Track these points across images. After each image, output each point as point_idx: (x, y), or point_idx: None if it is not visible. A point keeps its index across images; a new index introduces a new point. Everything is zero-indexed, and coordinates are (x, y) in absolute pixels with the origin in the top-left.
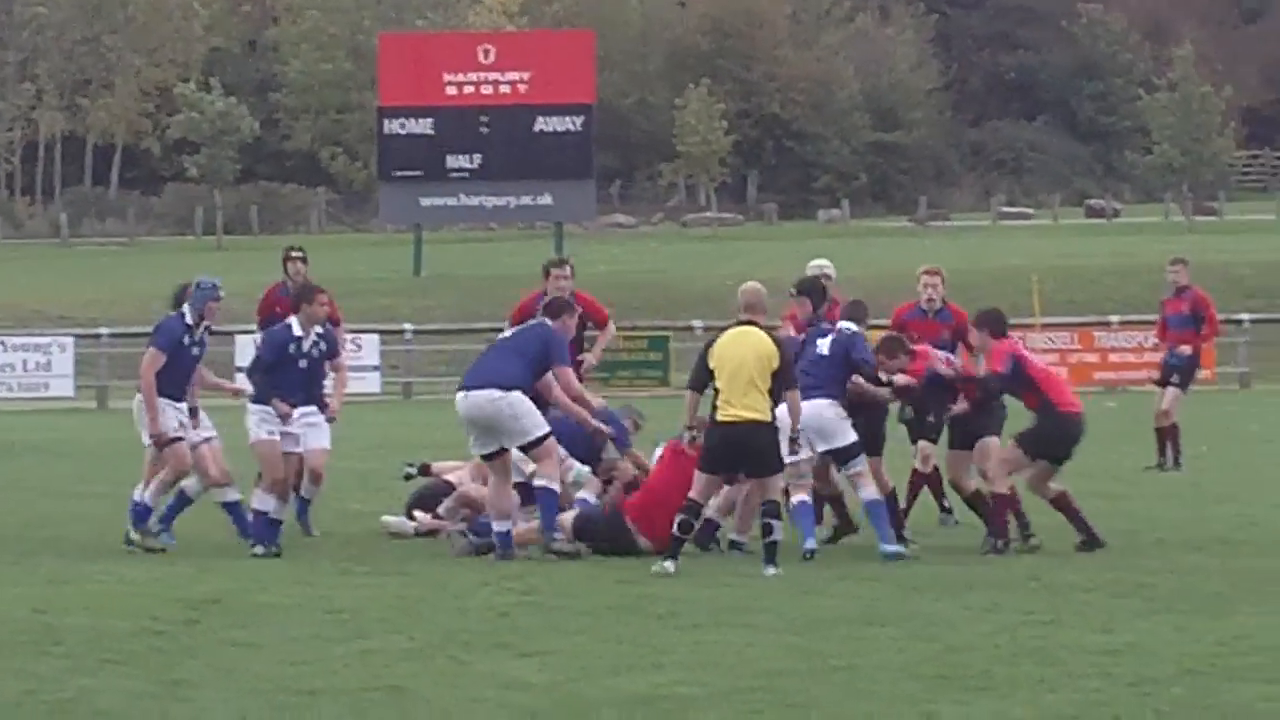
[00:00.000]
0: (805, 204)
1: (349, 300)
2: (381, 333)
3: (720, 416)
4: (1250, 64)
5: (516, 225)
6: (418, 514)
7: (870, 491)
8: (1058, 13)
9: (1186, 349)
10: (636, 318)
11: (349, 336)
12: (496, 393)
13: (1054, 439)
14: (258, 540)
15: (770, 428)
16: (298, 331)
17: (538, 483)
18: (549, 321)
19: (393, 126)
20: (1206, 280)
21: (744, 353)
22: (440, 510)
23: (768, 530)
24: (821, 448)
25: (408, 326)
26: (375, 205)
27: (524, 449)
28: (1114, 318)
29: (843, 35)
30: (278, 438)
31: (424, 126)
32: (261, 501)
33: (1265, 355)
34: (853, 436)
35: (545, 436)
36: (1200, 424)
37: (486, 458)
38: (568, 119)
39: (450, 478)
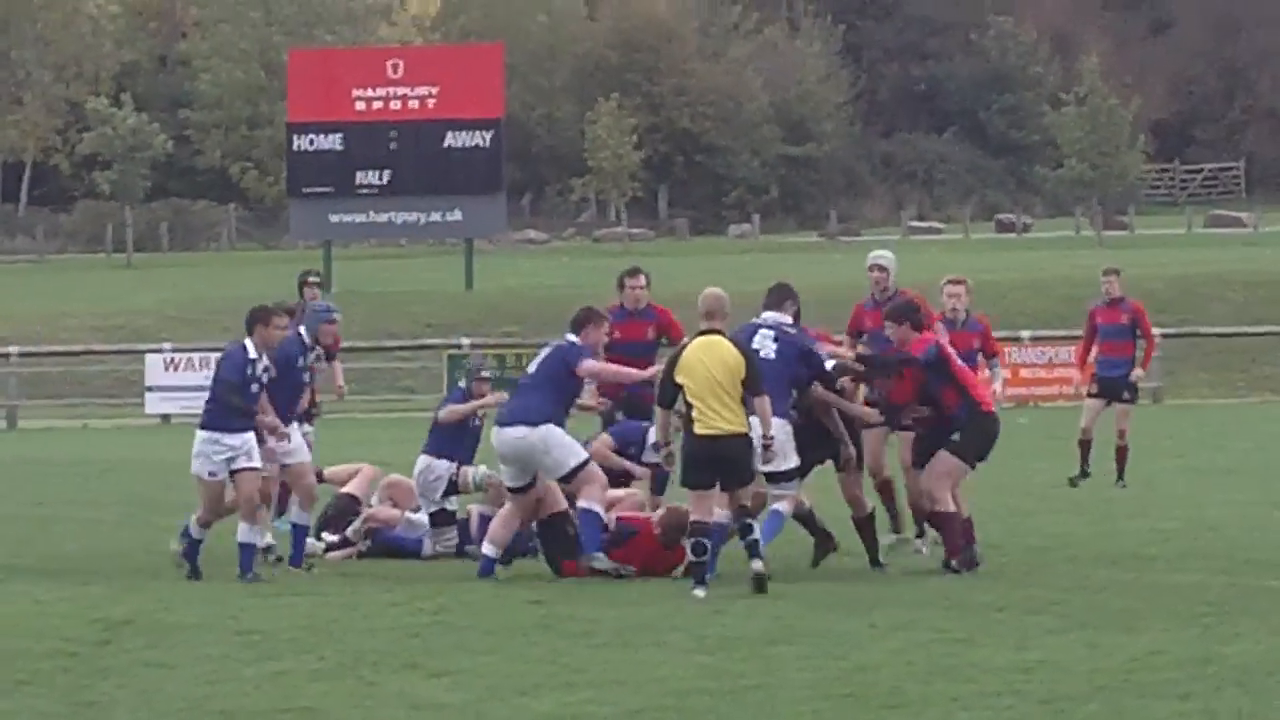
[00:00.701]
0: (716, 218)
1: None
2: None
3: (698, 430)
4: (1158, 77)
5: (427, 241)
6: (325, 535)
7: (783, 506)
8: (966, 25)
9: (1139, 372)
10: (548, 333)
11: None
12: (524, 429)
13: (982, 440)
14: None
15: (746, 439)
16: (252, 354)
17: (581, 504)
18: (572, 337)
19: (302, 142)
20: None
21: (712, 364)
22: (349, 532)
23: (747, 530)
24: (762, 469)
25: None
26: (286, 221)
27: (563, 480)
28: (1025, 333)
29: (751, 47)
30: (220, 477)
31: (333, 142)
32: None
33: (1176, 370)
34: (794, 461)
35: (583, 464)
36: (1111, 439)
37: (514, 490)
38: (477, 134)
39: (351, 489)
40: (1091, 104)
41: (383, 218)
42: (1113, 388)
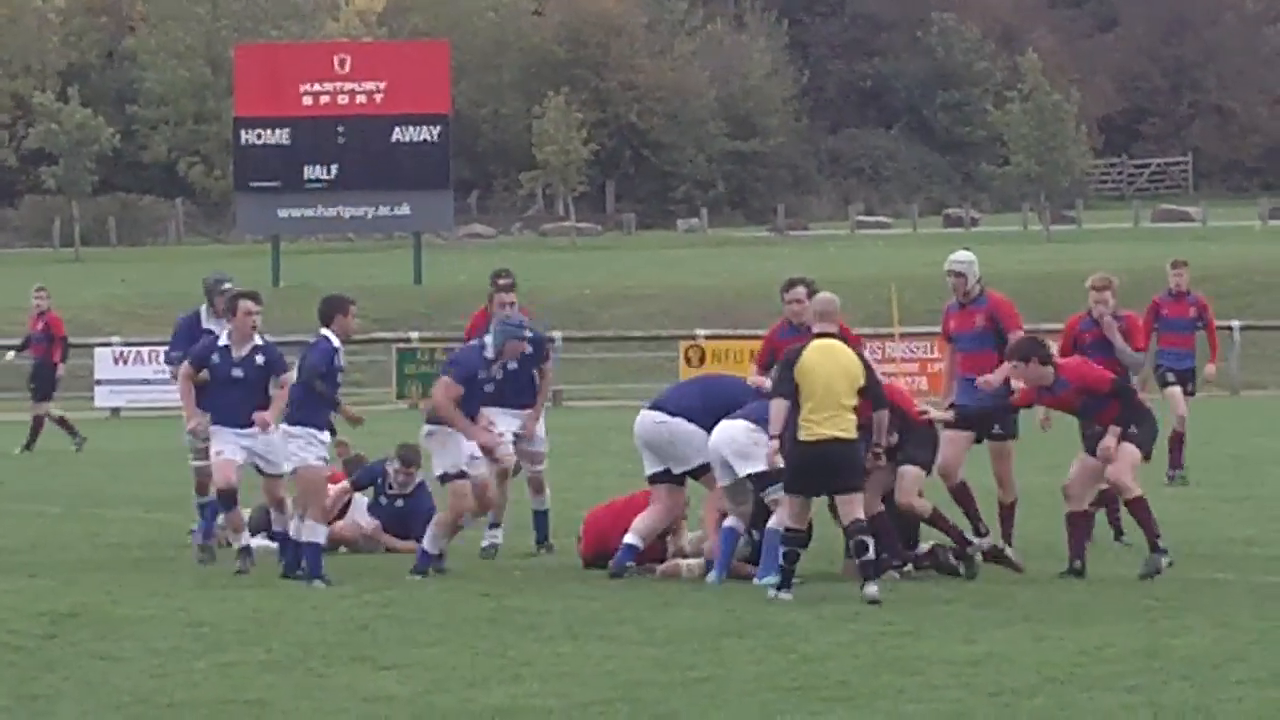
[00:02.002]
0: (664, 214)
1: None
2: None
3: (805, 436)
4: (1104, 73)
5: (374, 236)
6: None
7: (774, 520)
8: (912, 21)
9: (1212, 368)
10: None
11: None
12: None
13: (1153, 433)
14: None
15: (855, 445)
16: (336, 344)
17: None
18: (325, 331)
19: (249, 137)
20: (1064, 290)
21: (832, 370)
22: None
23: (862, 549)
24: (744, 470)
25: (266, 338)
26: (233, 216)
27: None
28: None
29: (697, 43)
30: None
31: (280, 137)
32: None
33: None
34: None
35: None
36: (1061, 431)
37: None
38: (424, 129)
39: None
40: (1036, 100)
41: (330, 212)
42: (1181, 378)
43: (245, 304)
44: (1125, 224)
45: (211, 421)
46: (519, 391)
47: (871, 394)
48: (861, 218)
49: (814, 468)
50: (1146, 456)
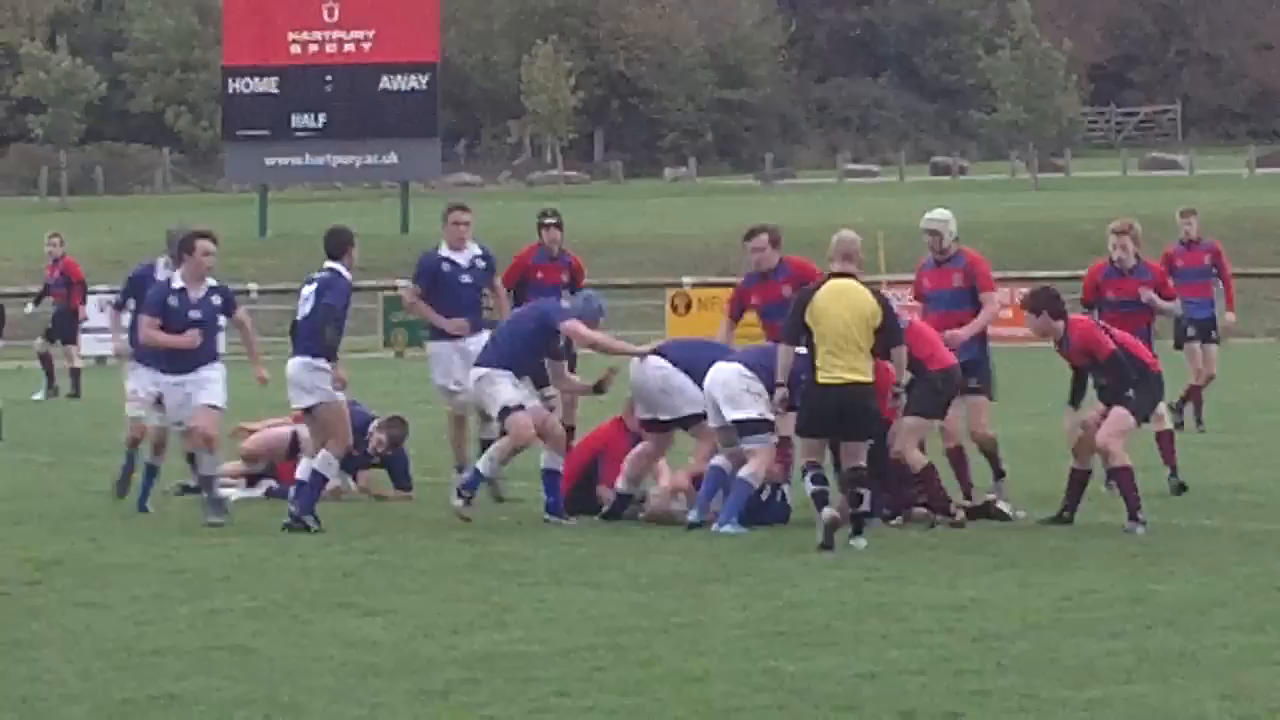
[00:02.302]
0: (652, 162)
1: None
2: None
3: (821, 378)
4: (1094, 21)
5: (362, 184)
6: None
7: (747, 469)
8: None
9: (1232, 315)
10: None
11: None
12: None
13: (1152, 398)
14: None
15: (871, 388)
16: (178, 284)
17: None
18: (334, 264)
19: (237, 86)
20: (1052, 237)
21: (845, 311)
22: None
23: (856, 500)
24: (731, 415)
25: (253, 286)
26: (220, 165)
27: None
28: None
29: None
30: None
31: (268, 85)
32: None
33: None
34: (757, 410)
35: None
36: (1045, 379)
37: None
38: (412, 78)
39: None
40: (1026, 48)
41: (318, 161)
42: (1202, 329)
43: (204, 244)
44: (1113, 172)
45: (163, 366)
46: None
47: (889, 333)
48: (850, 166)
49: (830, 411)
50: (1144, 419)
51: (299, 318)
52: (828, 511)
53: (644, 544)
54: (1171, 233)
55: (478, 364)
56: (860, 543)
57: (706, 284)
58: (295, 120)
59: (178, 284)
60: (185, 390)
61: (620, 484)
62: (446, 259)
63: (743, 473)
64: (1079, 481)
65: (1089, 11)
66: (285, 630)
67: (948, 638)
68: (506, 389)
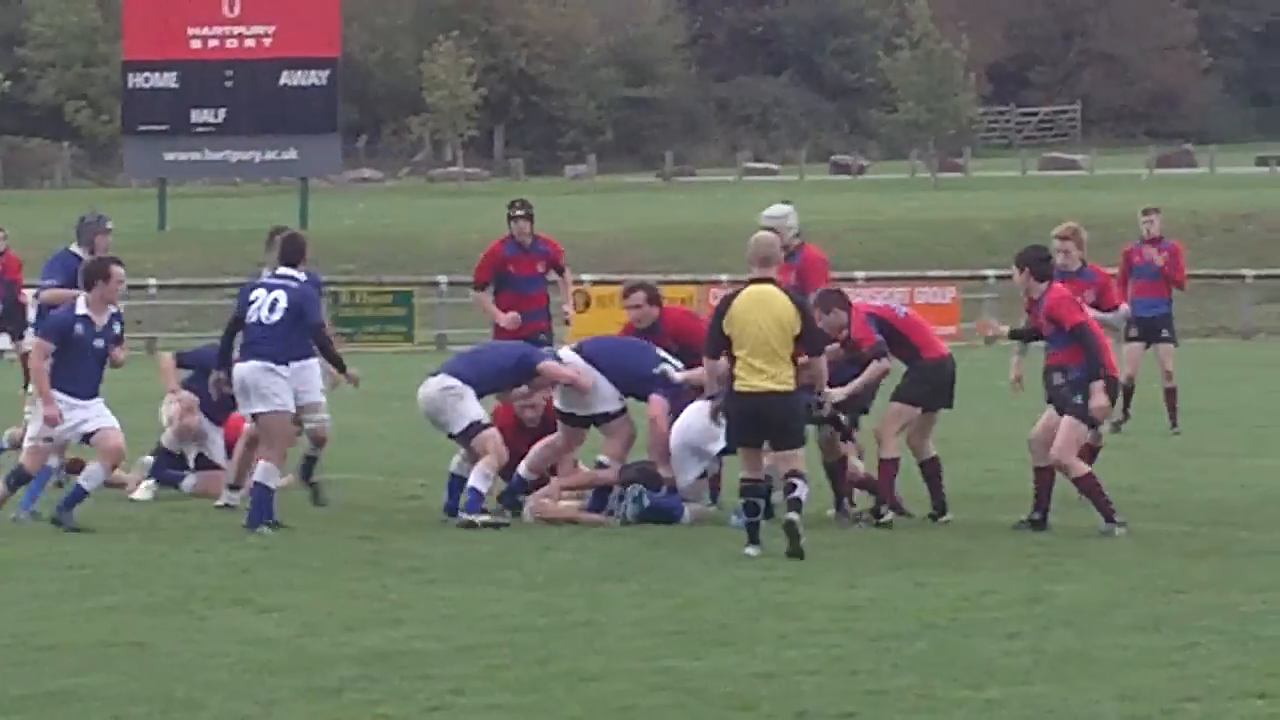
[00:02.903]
0: (553, 159)
1: None
2: (126, 287)
3: (738, 387)
4: (994, 21)
5: (261, 180)
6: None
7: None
8: None
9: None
10: (381, 272)
11: None
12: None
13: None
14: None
15: (793, 397)
16: (82, 310)
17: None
18: (289, 270)
19: (137, 80)
20: (952, 236)
21: (763, 319)
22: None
23: (791, 488)
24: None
25: (152, 281)
26: (120, 159)
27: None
28: (860, 274)
29: None
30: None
31: (168, 80)
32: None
33: (1009, 311)
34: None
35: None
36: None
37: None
38: (313, 73)
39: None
40: (925, 47)
41: (218, 156)
42: (1152, 328)
43: (118, 270)
44: (1013, 172)
45: (64, 392)
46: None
47: (808, 341)
48: (750, 164)
49: (748, 419)
50: (1092, 425)
51: (259, 322)
52: (750, 550)
53: (541, 542)
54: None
55: (448, 372)
56: (793, 515)
57: (606, 281)
58: (195, 115)
59: (82, 310)
60: (84, 414)
61: (522, 468)
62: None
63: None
64: (1044, 479)
65: (989, 11)
66: (181, 627)
67: (844, 637)
68: (474, 405)
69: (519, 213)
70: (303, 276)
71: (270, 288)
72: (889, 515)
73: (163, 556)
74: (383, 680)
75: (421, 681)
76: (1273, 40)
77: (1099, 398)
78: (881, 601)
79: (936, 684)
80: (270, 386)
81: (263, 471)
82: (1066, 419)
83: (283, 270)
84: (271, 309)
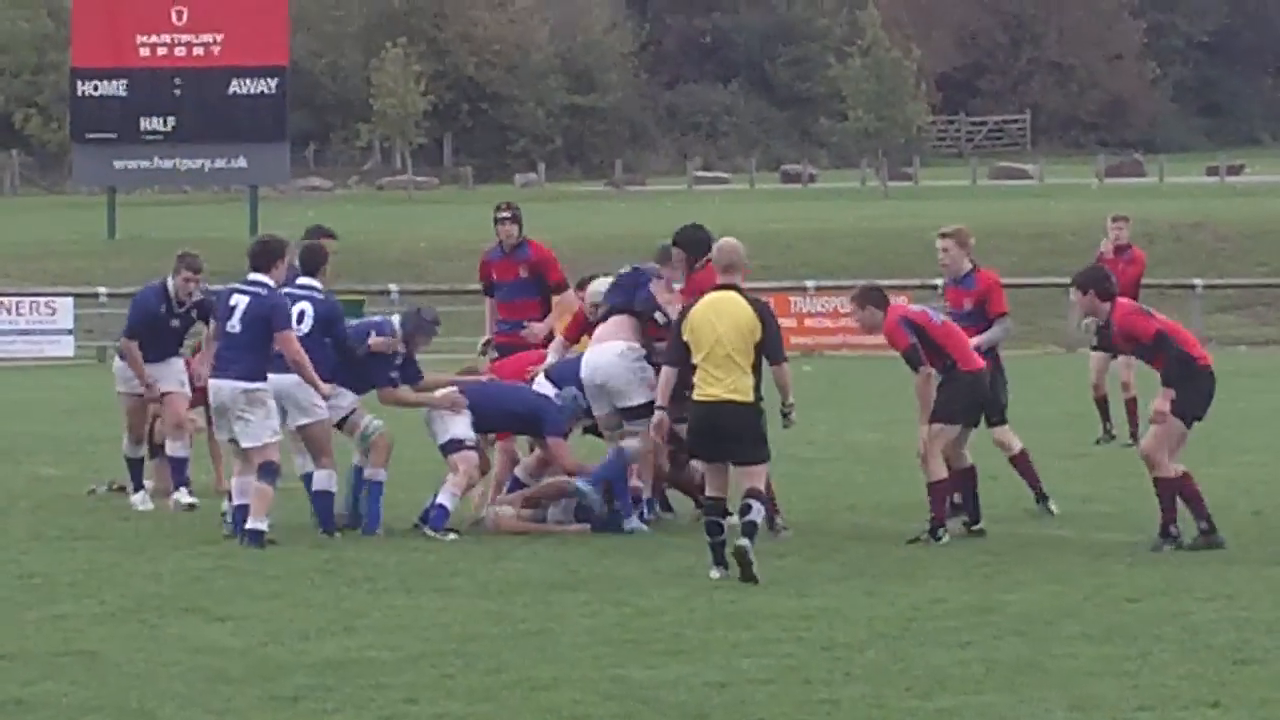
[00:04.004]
0: (502, 167)
1: (44, 262)
2: (76, 296)
3: (697, 395)
4: (944, 30)
5: (211, 188)
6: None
7: (631, 443)
8: None
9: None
10: (332, 282)
11: (43, 300)
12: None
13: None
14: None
15: (752, 409)
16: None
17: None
18: (258, 276)
19: (86, 88)
20: (902, 245)
21: (721, 325)
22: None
23: (746, 510)
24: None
25: (102, 290)
26: (69, 167)
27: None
28: (810, 283)
29: None
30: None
31: (117, 88)
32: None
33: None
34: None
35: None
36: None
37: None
38: (261, 81)
39: None
40: (875, 55)
41: (167, 164)
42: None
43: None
44: (962, 181)
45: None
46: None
47: (770, 349)
48: (699, 173)
49: (706, 430)
50: (964, 424)
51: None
52: (714, 574)
53: (494, 550)
54: (1019, 241)
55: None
56: (744, 542)
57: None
58: (144, 123)
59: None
60: None
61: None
62: None
63: (623, 443)
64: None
65: (940, 19)
66: (134, 635)
67: (796, 647)
68: (464, 425)
69: (503, 214)
70: (320, 287)
71: (294, 299)
72: (945, 536)
73: (115, 565)
74: (337, 689)
75: (376, 690)
76: (1219, 50)
77: (1162, 403)
78: (833, 611)
79: (889, 693)
80: (309, 397)
81: (323, 479)
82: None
83: (305, 281)
84: (299, 321)
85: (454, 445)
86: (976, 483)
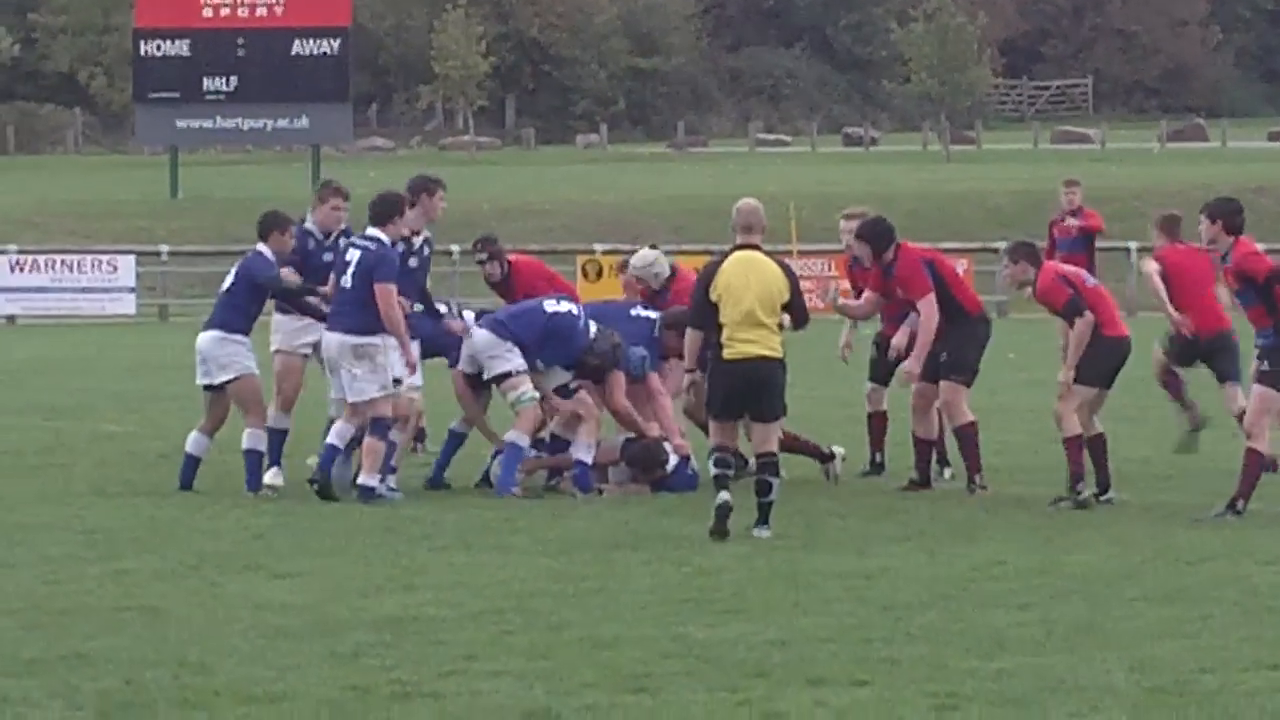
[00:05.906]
0: (564, 129)
1: (107, 221)
2: (138, 254)
3: (727, 354)
4: None
5: (273, 148)
6: None
7: (514, 433)
8: None
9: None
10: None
11: (105, 258)
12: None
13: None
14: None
15: (782, 364)
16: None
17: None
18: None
19: (149, 48)
20: (963, 209)
21: (749, 285)
22: None
23: (764, 489)
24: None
25: (164, 248)
26: (132, 127)
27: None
28: None
29: None
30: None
31: (180, 48)
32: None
33: None
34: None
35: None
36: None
37: None
38: (324, 42)
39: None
40: (939, 21)
41: (229, 124)
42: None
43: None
44: (1024, 145)
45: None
46: None
47: (795, 310)
48: (761, 135)
49: (737, 388)
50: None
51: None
52: (723, 495)
53: (553, 509)
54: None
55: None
56: (764, 532)
57: (618, 250)
58: (207, 83)
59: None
60: None
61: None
62: None
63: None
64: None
65: None
66: (195, 591)
67: (856, 605)
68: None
69: (480, 257)
70: (386, 239)
71: (352, 248)
72: (1085, 490)
73: (176, 522)
74: (396, 645)
75: (435, 647)
76: None
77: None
78: (893, 571)
79: (948, 653)
80: (229, 354)
81: (251, 438)
82: (1256, 389)
83: (371, 231)
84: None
85: (505, 378)
86: (1106, 450)
